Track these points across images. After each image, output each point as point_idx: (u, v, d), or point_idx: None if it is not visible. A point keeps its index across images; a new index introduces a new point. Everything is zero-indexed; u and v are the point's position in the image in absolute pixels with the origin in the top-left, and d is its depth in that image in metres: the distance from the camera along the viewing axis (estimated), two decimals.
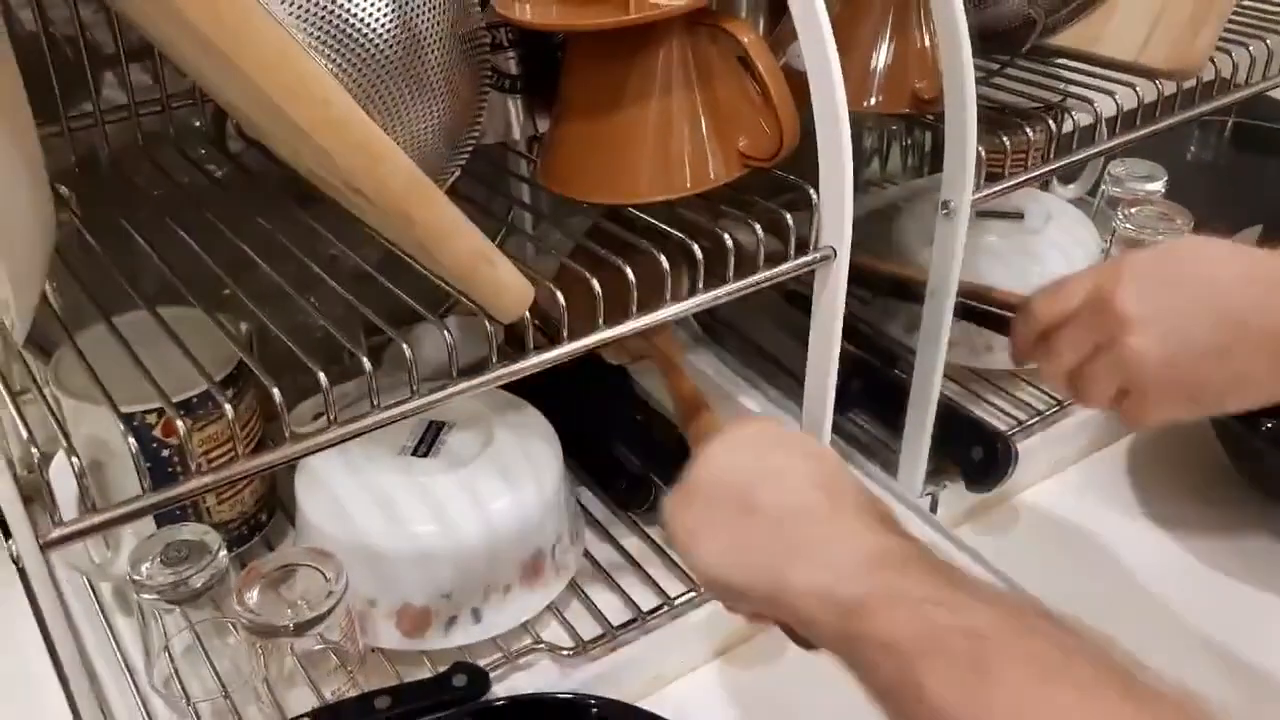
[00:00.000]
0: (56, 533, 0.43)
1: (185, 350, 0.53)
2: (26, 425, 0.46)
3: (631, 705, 0.56)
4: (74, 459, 0.44)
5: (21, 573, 0.46)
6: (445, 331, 0.50)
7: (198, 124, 0.72)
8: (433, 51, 0.51)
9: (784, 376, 0.82)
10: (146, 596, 0.59)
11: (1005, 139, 0.66)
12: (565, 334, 0.53)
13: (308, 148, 0.44)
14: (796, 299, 0.87)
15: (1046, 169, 0.69)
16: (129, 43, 0.67)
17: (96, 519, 0.44)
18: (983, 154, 0.62)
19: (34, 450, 0.43)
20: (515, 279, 0.48)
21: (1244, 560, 0.73)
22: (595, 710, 0.54)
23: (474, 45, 0.55)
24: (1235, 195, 1.08)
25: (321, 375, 0.48)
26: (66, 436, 0.45)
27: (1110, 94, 0.71)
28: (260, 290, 0.57)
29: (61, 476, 0.45)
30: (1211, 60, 0.73)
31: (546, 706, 0.55)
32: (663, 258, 0.55)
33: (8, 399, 0.48)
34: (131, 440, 0.46)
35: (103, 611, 0.67)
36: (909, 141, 0.97)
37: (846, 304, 0.62)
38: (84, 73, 0.66)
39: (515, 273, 0.49)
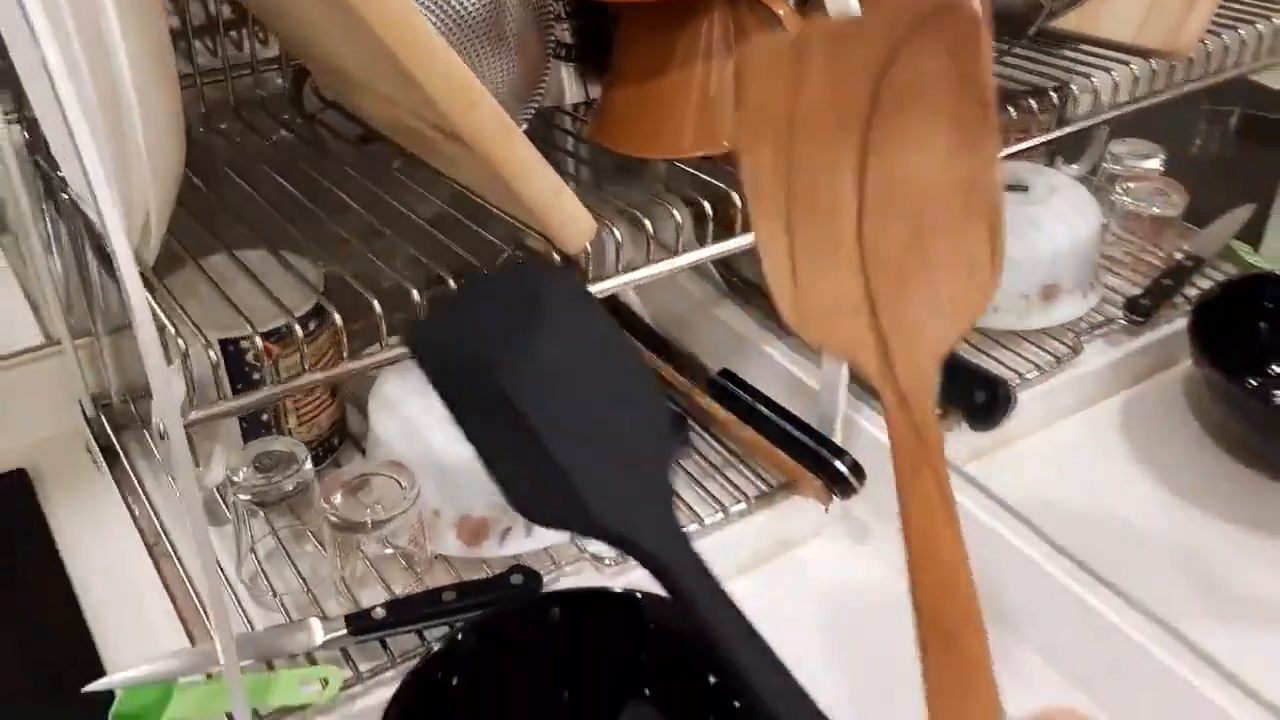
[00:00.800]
0: (195, 414, 0.50)
1: (265, 289, 0.60)
2: (170, 320, 0.52)
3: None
4: (211, 351, 0.51)
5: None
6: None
7: (280, 82, 0.79)
8: (510, 16, 0.58)
9: None
10: (241, 498, 0.66)
11: (1011, 110, 0.73)
12: (619, 267, 0.61)
13: (413, 97, 0.51)
14: None
15: (1048, 136, 0.76)
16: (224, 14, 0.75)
17: (226, 405, 0.52)
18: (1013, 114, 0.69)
19: (180, 341, 0.50)
20: (583, 213, 0.56)
21: (1221, 501, 0.80)
22: (641, 601, 0.61)
23: (542, 13, 0.62)
24: (1234, 179, 1.15)
25: (376, 303, 0.56)
26: (203, 334, 0.53)
27: (1108, 71, 0.78)
28: (335, 238, 0.65)
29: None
30: (1204, 42, 0.80)
31: (602, 599, 0.62)
32: (675, 212, 0.63)
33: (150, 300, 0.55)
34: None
35: None
36: None
37: None
38: (187, 40, 0.74)
39: (582, 208, 0.56)
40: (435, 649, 0.56)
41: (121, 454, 0.79)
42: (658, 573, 0.46)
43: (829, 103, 0.50)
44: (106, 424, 0.81)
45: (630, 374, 0.50)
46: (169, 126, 0.54)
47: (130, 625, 0.70)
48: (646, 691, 0.59)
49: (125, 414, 0.83)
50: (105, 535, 0.77)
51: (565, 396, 0.47)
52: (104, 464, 0.80)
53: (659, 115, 0.68)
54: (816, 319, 0.51)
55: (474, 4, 0.55)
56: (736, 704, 0.59)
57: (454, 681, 0.56)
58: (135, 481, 0.77)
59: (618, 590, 0.62)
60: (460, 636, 0.56)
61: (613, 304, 0.90)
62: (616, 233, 0.60)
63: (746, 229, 0.65)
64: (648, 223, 0.62)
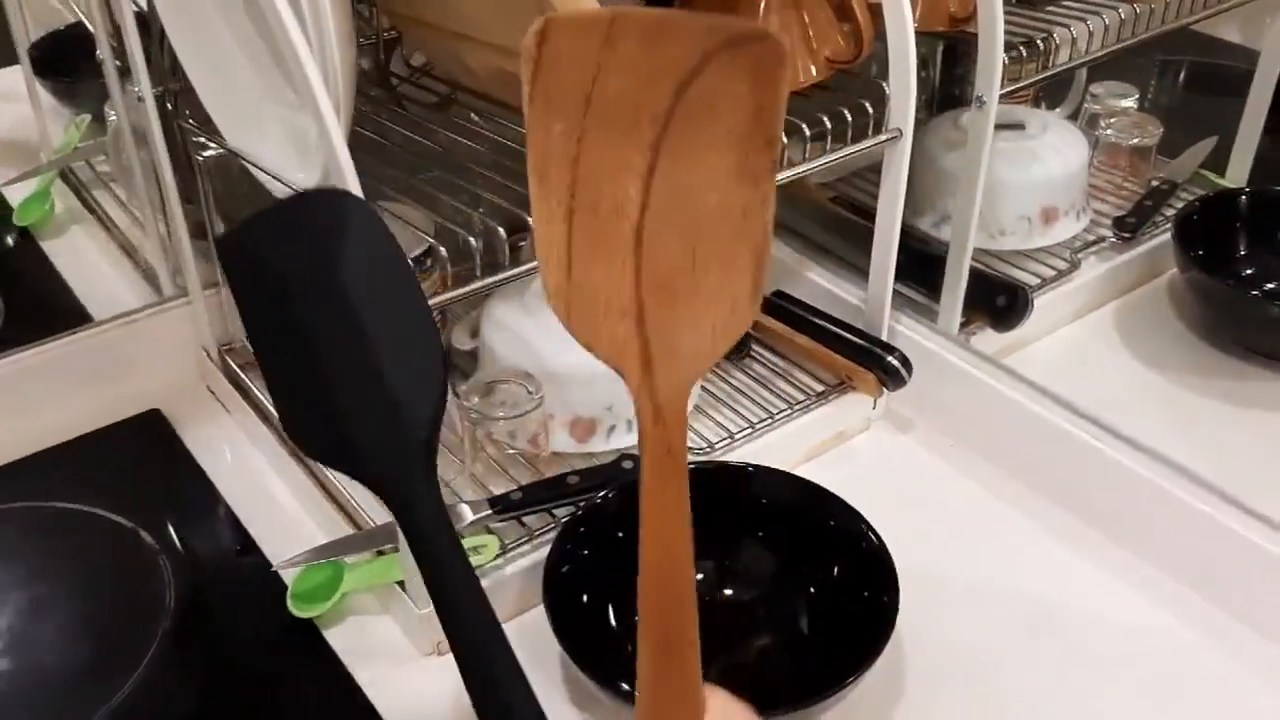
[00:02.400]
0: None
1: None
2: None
3: (781, 470, 0.74)
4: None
5: None
6: None
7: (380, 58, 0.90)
8: None
9: (834, 259, 1.00)
10: None
11: (1022, 50, 0.86)
12: None
13: None
14: (836, 201, 1.06)
15: (1046, 75, 0.89)
16: None
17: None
18: (1006, 61, 0.81)
19: None
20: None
21: (1204, 381, 0.93)
22: (752, 471, 0.73)
23: None
24: (1193, 120, 1.28)
25: (471, 239, 0.66)
26: None
27: (1084, 21, 0.90)
28: (424, 191, 0.75)
29: None
30: None
31: (717, 472, 0.73)
32: None
33: None
34: None
35: None
36: (924, 74, 1.16)
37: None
38: None
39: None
40: (594, 501, 0.67)
41: (252, 387, 0.89)
42: (404, 524, 0.49)
43: (630, 96, 0.49)
44: (233, 364, 0.91)
45: (414, 314, 0.51)
46: (350, 80, 0.64)
47: (281, 525, 0.81)
48: (759, 534, 0.70)
49: (246, 355, 0.93)
50: (242, 457, 0.87)
51: (352, 336, 0.49)
52: (230, 398, 0.90)
53: None
54: (585, 315, 0.50)
55: None
56: (833, 559, 0.71)
57: (603, 529, 0.68)
58: (267, 406, 0.87)
59: (734, 463, 0.74)
60: (610, 496, 0.68)
61: None
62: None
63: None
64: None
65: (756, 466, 0.73)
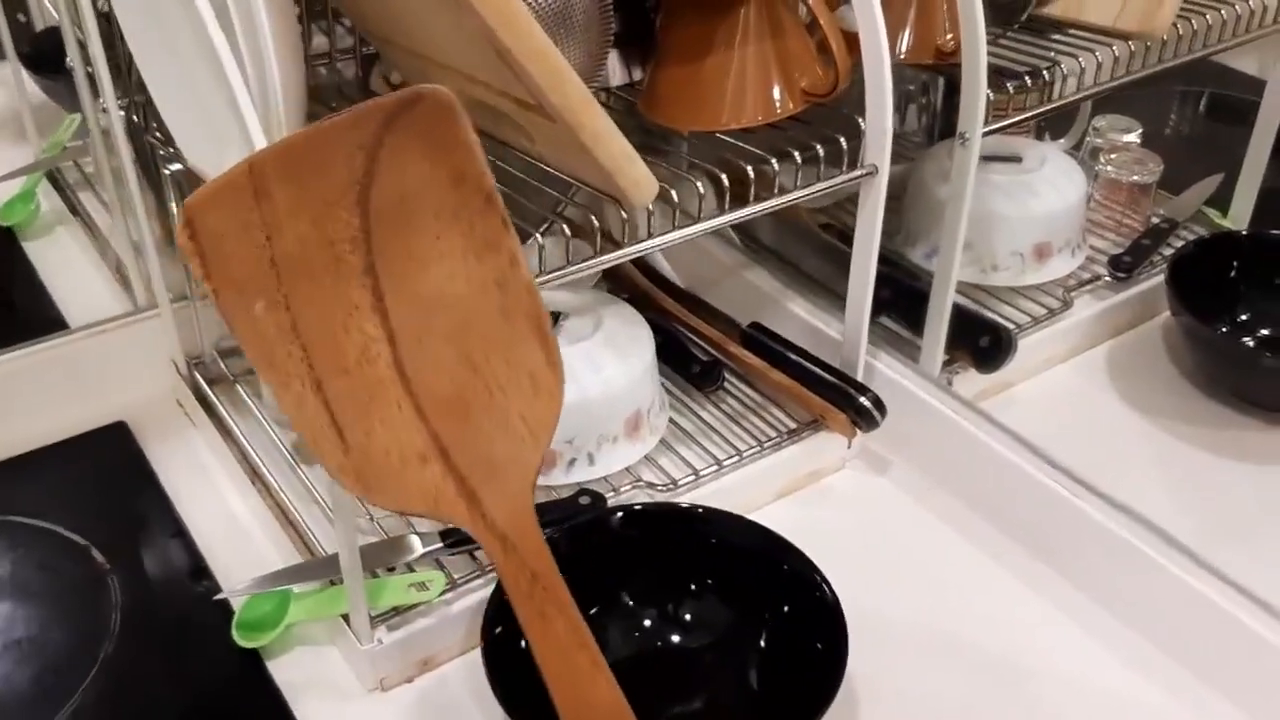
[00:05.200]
0: None
1: None
2: None
3: (732, 514, 0.72)
4: None
5: None
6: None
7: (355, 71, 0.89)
8: (579, 8, 0.68)
9: (818, 289, 0.98)
10: None
11: (1010, 86, 0.83)
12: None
13: (504, 73, 0.61)
14: (829, 229, 1.04)
15: (1039, 111, 0.86)
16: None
17: None
18: (991, 96, 0.79)
19: None
20: (649, 176, 0.65)
21: (1196, 431, 0.90)
22: (702, 513, 0.71)
23: (604, 6, 0.71)
24: (1204, 151, 1.25)
25: None
26: None
27: (1091, 52, 0.88)
28: None
29: None
30: (1175, 26, 0.90)
31: (665, 513, 0.71)
32: (696, 184, 0.72)
33: None
34: None
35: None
36: (924, 101, 1.14)
37: None
38: None
39: (648, 172, 0.65)
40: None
41: (217, 404, 0.88)
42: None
43: (315, 237, 0.44)
44: (200, 379, 0.90)
45: None
46: (298, 104, 0.63)
47: (236, 549, 0.79)
48: (709, 581, 0.68)
49: (215, 370, 0.92)
50: (204, 475, 0.86)
51: None
52: (196, 415, 0.89)
53: (700, 93, 0.77)
54: (383, 478, 0.45)
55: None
56: (786, 608, 0.69)
57: None
58: (232, 425, 0.86)
59: (684, 505, 0.72)
60: (555, 538, 0.66)
61: (643, 265, 1.00)
62: (674, 194, 0.69)
63: (759, 198, 0.74)
64: (674, 194, 0.70)
65: (707, 509, 0.71)
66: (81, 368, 0.91)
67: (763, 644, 0.68)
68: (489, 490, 0.46)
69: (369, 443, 0.45)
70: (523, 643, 0.65)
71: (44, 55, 1.10)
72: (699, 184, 0.72)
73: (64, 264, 1.05)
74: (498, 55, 0.59)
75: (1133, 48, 0.88)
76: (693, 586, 0.70)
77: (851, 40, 0.74)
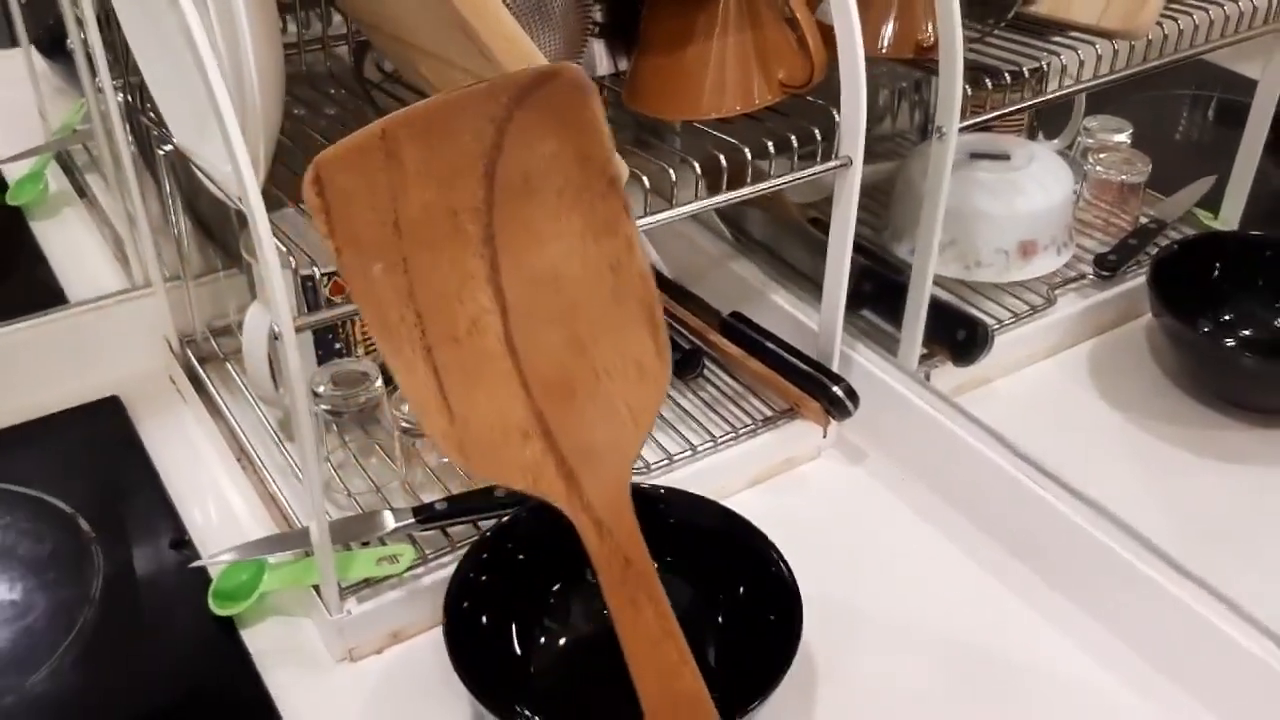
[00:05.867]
0: (301, 320, 0.60)
1: None
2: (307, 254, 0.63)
3: (693, 494, 0.73)
4: (316, 270, 0.62)
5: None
6: None
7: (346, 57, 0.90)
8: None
9: (804, 282, 0.99)
10: (323, 408, 0.77)
11: (989, 82, 0.84)
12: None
13: (477, 59, 0.62)
14: (815, 222, 1.05)
15: (1018, 107, 0.87)
16: None
17: (323, 314, 0.63)
18: (969, 91, 0.80)
19: (295, 266, 0.61)
20: (620, 163, 0.66)
21: (1175, 431, 0.91)
22: (664, 494, 0.72)
23: None
24: (1195, 152, 1.25)
25: None
26: (313, 260, 0.63)
27: (1075, 51, 0.88)
28: None
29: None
30: (1161, 25, 0.90)
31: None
32: (669, 168, 0.73)
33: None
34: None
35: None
36: (917, 98, 1.15)
37: (857, 227, 0.80)
38: None
39: (620, 159, 0.66)
40: (502, 521, 0.67)
41: (207, 382, 0.90)
42: None
43: (439, 204, 0.43)
44: (191, 356, 0.92)
45: None
46: (276, 87, 0.65)
47: (218, 521, 0.81)
48: (668, 559, 0.69)
49: (207, 349, 0.94)
50: (191, 449, 0.88)
51: None
52: (187, 391, 0.91)
53: (681, 83, 0.78)
54: (484, 450, 0.45)
55: None
56: (742, 586, 0.70)
57: (511, 548, 0.67)
58: (221, 403, 0.88)
59: (645, 486, 0.73)
60: (522, 514, 0.68)
61: None
62: (645, 180, 0.70)
63: (750, 183, 0.75)
64: (645, 179, 0.70)
65: (668, 489, 0.73)
66: (79, 342, 0.94)
67: (720, 620, 0.69)
68: (588, 473, 0.45)
69: (473, 414, 0.45)
70: (484, 619, 0.67)
71: (57, 40, 1.13)
72: (671, 171, 0.73)
73: (69, 243, 1.07)
74: (467, 39, 0.61)
75: (1116, 47, 0.88)
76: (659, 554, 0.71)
77: (829, 33, 0.75)
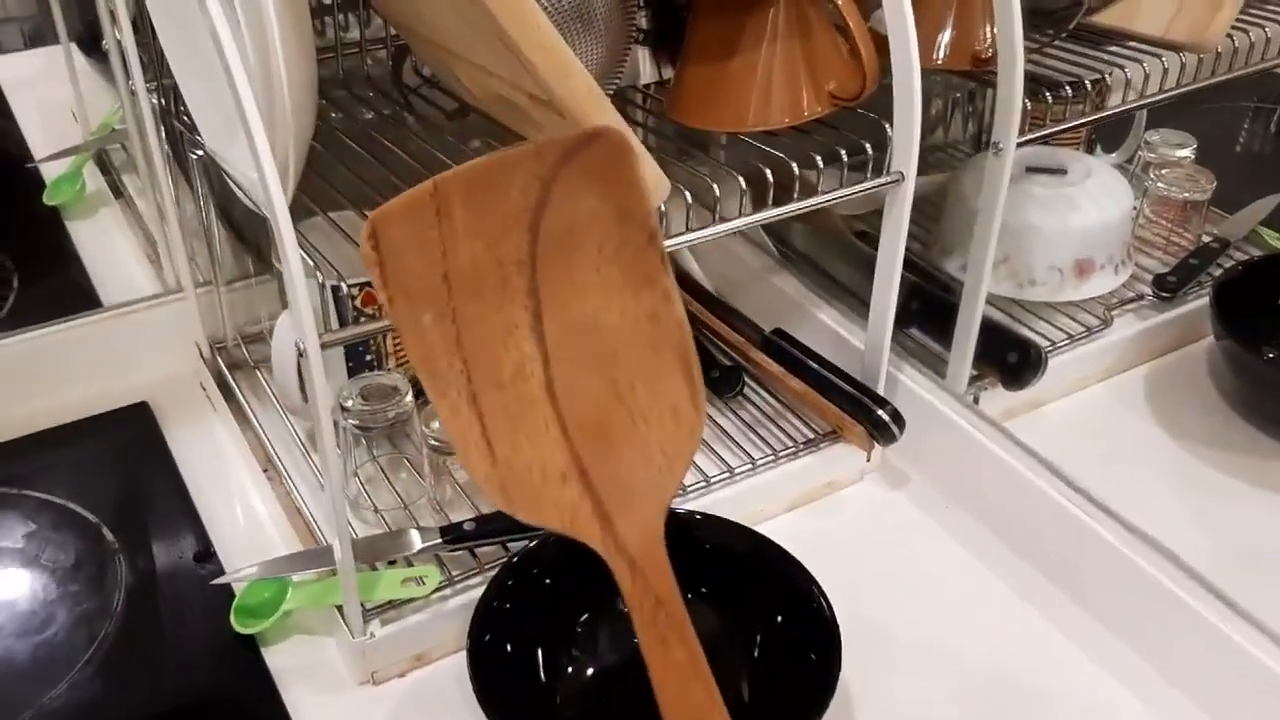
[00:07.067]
0: (328, 336, 0.58)
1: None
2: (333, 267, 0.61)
3: (730, 520, 0.71)
4: (344, 284, 0.60)
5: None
6: None
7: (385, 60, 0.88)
8: (600, 3, 0.67)
9: (847, 297, 0.96)
10: (350, 423, 0.75)
11: (1048, 95, 0.81)
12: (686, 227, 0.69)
13: (514, 67, 0.60)
14: (863, 236, 1.02)
15: (1079, 122, 0.83)
16: None
17: (350, 331, 0.61)
18: (1028, 105, 0.76)
19: (323, 279, 0.59)
20: (661, 176, 0.63)
21: (1236, 461, 0.87)
22: (699, 519, 0.70)
23: (627, 2, 0.70)
24: (1262, 169, 1.21)
25: None
26: (340, 273, 0.61)
27: (1140, 63, 0.85)
28: None
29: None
30: (1231, 38, 0.86)
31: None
32: (714, 185, 0.70)
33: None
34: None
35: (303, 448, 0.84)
36: (970, 109, 1.12)
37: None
38: None
39: (660, 171, 0.64)
40: (530, 546, 0.65)
41: (237, 389, 0.88)
42: None
43: (486, 257, 0.46)
44: (221, 363, 0.91)
45: None
46: (307, 94, 0.63)
47: (244, 534, 0.80)
48: (703, 589, 0.66)
49: (237, 355, 0.92)
50: (219, 459, 0.87)
51: None
52: (217, 399, 0.90)
53: (727, 94, 0.75)
54: (524, 492, 0.47)
55: None
56: (779, 618, 0.67)
57: (538, 574, 0.65)
58: (249, 412, 0.86)
59: (680, 511, 0.70)
60: (550, 539, 0.65)
61: (675, 269, 0.98)
62: (687, 195, 0.68)
63: (781, 202, 0.73)
64: (687, 194, 0.68)
65: (704, 514, 0.70)
66: (110, 346, 0.92)
67: (755, 654, 0.66)
68: (623, 514, 0.47)
69: (515, 456, 0.47)
70: (509, 646, 0.65)
71: (98, 39, 1.12)
72: (716, 185, 0.70)
73: (104, 244, 1.06)
74: (505, 47, 0.59)
75: (1183, 60, 0.84)
76: (688, 595, 0.68)
77: (882, 43, 0.72)
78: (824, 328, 0.92)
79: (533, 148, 0.47)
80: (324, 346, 0.58)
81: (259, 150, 0.53)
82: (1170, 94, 0.85)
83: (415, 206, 0.47)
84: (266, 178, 0.54)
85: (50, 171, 1.11)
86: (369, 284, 0.75)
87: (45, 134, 1.15)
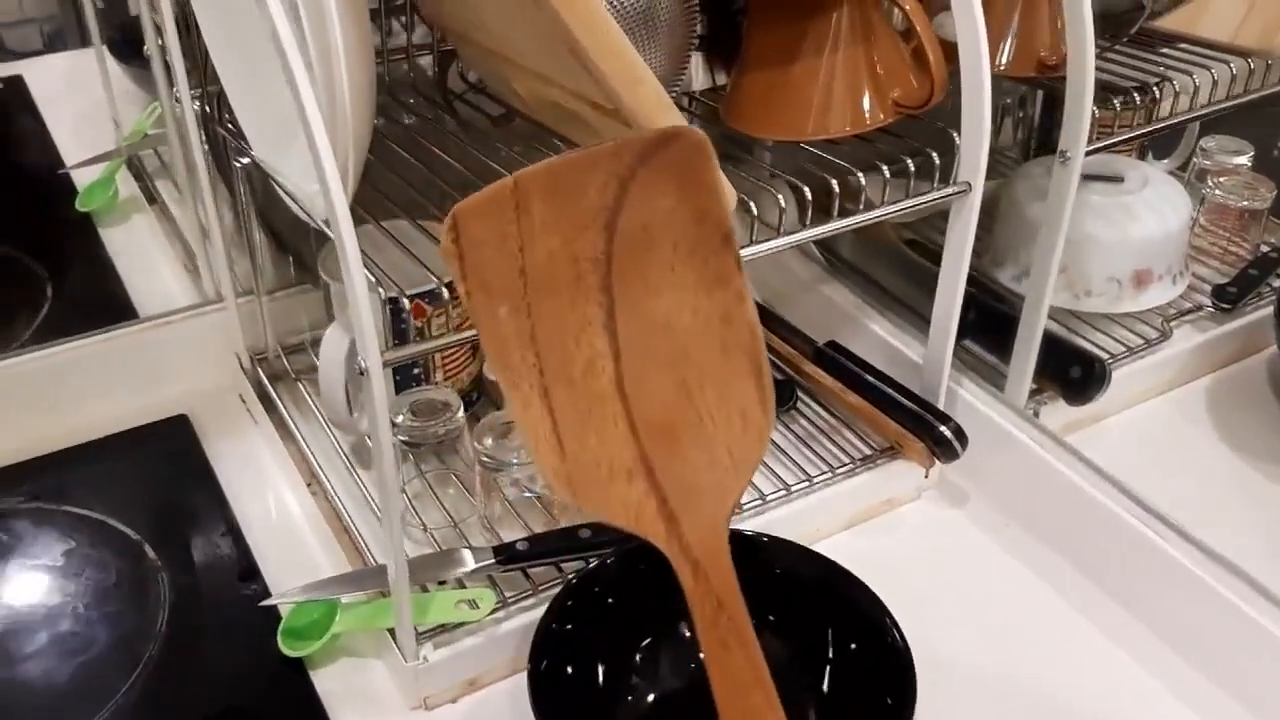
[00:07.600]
0: (391, 354, 0.56)
1: (414, 255, 0.66)
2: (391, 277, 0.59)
3: (799, 545, 0.68)
4: (404, 297, 0.58)
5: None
6: None
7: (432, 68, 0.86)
8: (664, 8, 0.65)
9: (898, 307, 0.94)
10: (400, 438, 0.73)
11: (1116, 102, 0.78)
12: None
13: (577, 74, 0.58)
14: (914, 245, 1.00)
15: (1147, 129, 0.81)
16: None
17: (413, 349, 0.59)
18: (1096, 113, 0.74)
19: (383, 293, 0.57)
20: (728, 185, 0.61)
21: None
22: (767, 542, 0.68)
23: (689, 6, 0.68)
24: None
25: None
26: (399, 286, 0.59)
27: (1207, 69, 0.82)
28: None
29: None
30: None
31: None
32: (778, 196, 0.68)
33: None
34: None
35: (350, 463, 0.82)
36: (1021, 114, 1.09)
37: None
38: None
39: (726, 180, 0.62)
40: (589, 566, 0.62)
41: (278, 402, 0.87)
42: None
43: (563, 253, 0.47)
44: (262, 375, 0.89)
45: None
46: (366, 98, 0.61)
47: (288, 552, 0.78)
48: (770, 616, 0.64)
49: (278, 366, 0.90)
50: (261, 474, 0.85)
51: None
52: (258, 411, 0.88)
53: (787, 101, 0.73)
54: (591, 487, 0.47)
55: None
56: (853, 647, 0.65)
57: (599, 594, 0.63)
58: (291, 425, 0.84)
59: (747, 532, 0.68)
60: (610, 560, 0.63)
61: None
62: (753, 207, 0.65)
63: (844, 213, 0.71)
64: (753, 206, 0.66)
65: (772, 537, 0.68)
66: (148, 358, 0.91)
67: (825, 688, 0.64)
68: (688, 514, 0.47)
69: (583, 452, 0.47)
70: (569, 669, 0.62)
71: (130, 42, 1.10)
72: (780, 196, 0.68)
73: (138, 252, 1.05)
74: (572, 55, 0.57)
75: (1252, 65, 0.82)
76: (756, 623, 0.66)
77: (948, 50, 0.70)
78: (877, 339, 0.90)
79: (611, 146, 0.47)
80: (386, 364, 0.56)
81: (322, 159, 0.51)
82: (1237, 100, 0.83)
83: (495, 202, 0.47)
84: (330, 188, 0.52)
85: (81, 178, 1.10)
86: (420, 296, 0.73)
87: (76, 140, 1.14)
